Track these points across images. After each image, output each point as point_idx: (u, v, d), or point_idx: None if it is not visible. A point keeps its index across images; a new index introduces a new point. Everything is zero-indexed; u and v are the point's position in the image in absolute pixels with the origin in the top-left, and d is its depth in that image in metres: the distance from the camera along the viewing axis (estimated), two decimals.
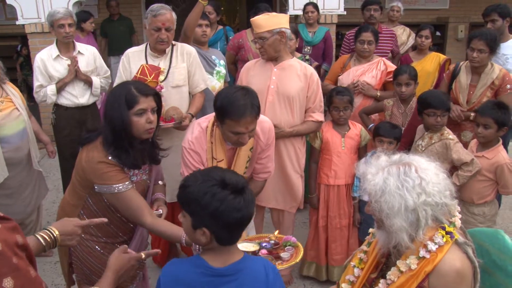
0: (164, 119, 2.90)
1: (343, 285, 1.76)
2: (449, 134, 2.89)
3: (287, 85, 2.88)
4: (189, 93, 3.18)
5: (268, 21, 2.82)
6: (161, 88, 2.92)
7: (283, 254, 1.88)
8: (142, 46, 3.15)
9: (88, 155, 1.96)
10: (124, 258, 1.60)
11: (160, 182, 2.31)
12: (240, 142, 2.15)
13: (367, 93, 3.69)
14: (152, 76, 2.83)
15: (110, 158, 1.95)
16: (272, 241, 1.97)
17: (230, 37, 5.01)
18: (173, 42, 3.13)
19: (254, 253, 1.86)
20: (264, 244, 1.94)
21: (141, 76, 2.82)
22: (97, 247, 2.12)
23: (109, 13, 7.30)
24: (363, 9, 4.76)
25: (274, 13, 2.96)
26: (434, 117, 2.84)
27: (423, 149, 2.92)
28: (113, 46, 7.18)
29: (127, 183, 1.99)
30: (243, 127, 2.06)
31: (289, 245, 1.95)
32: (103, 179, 1.95)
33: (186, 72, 3.10)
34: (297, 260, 1.87)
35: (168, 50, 3.10)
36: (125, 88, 1.96)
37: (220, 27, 4.99)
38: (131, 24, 7.53)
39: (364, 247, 1.79)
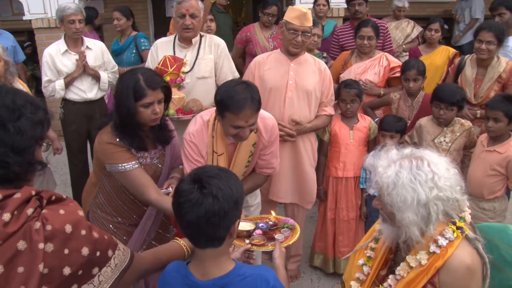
0: (183, 111, 2.88)
1: (352, 282, 1.73)
2: (467, 122, 3.00)
3: (305, 81, 2.86)
4: (217, 85, 3.16)
5: (311, 17, 2.78)
6: (182, 80, 2.92)
7: (278, 236, 1.86)
8: (171, 37, 3.16)
9: (100, 137, 2.13)
10: None
11: (180, 166, 2.38)
12: (240, 136, 2.14)
13: (370, 92, 3.56)
14: (173, 68, 2.82)
15: (118, 140, 2.09)
16: (271, 222, 1.96)
17: None
18: (202, 34, 3.12)
19: (249, 232, 1.85)
20: (260, 225, 1.92)
21: (162, 68, 2.81)
22: (111, 225, 2.29)
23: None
24: (348, 4, 4.47)
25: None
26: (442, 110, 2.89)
27: (450, 144, 2.93)
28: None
29: (133, 162, 2.11)
30: (243, 120, 2.06)
31: (286, 227, 1.94)
32: (110, 158, 2.10)
33: (212, 64, 3.10)
34: (290, 243, 1.83)
35: (196, 41, 3.09)
36: (134, 79, 2.03)
37: None
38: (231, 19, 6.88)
39: (371, 244, 1.76)
